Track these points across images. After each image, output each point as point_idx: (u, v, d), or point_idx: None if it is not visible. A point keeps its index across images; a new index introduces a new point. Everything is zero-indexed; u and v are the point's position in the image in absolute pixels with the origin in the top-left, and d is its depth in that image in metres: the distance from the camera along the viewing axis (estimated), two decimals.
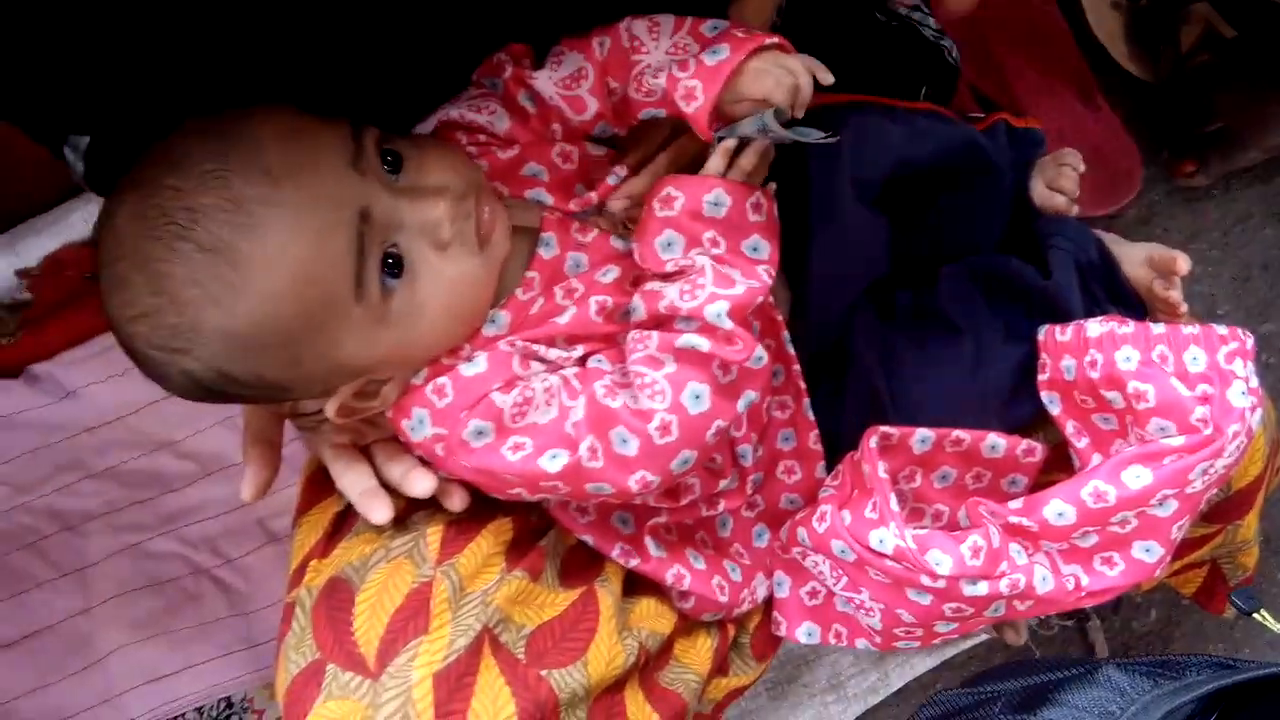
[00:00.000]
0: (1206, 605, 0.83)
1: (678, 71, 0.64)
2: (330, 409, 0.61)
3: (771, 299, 0.72)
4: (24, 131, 0.71)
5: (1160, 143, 1.11)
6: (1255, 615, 0.65)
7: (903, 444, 0.71)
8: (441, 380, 0.62)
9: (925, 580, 0.66)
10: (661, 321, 0.63)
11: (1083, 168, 0.82)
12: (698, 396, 0.61)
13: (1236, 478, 0.74)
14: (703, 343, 0.61)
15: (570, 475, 0.61)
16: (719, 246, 0.64)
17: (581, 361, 0.65)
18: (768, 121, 0.63)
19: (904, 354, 0.75)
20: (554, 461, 0.60)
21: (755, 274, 0.64)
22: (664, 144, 0.71)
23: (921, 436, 0.71)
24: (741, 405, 0.64)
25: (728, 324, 0.61)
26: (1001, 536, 0.67)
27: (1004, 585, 0.65)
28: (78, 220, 1.00)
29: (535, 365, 0.65)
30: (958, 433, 0.72)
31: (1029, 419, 0.75)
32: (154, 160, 0.56)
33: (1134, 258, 0.78)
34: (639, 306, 0.64)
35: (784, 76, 0.63)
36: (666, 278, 0.64)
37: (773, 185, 0.67)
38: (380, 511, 0.63)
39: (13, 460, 1.00)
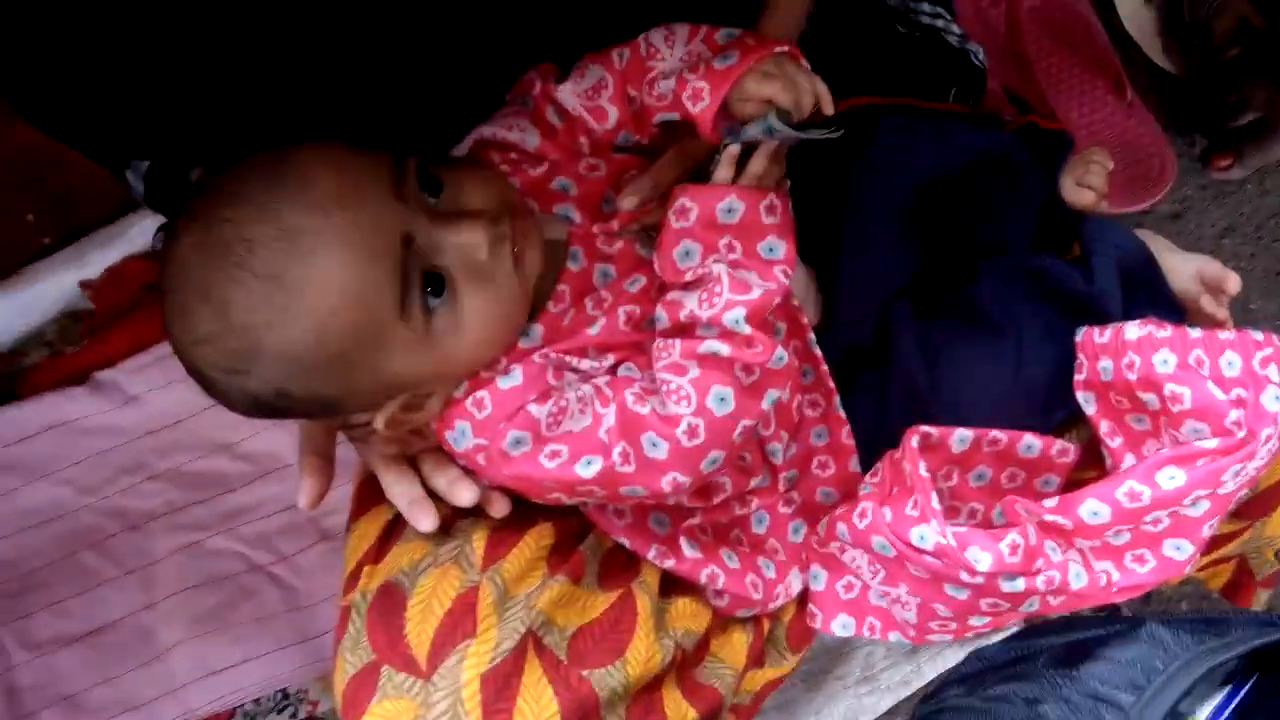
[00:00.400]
0: (1234, 599, 0.84)
1: (688, 74, 0.66)
2: (379, 422, 0.65)
3: (795, 301, 0.74)
4: (90, 158, 0.75)
5: (1193, 137, 1.11)
6: None
7: (942, 443, 0.73)
8: (480, 394, 0.65)
9: (964, 576, 0.68)
10: (684, 329, 0.66)
11: (1110, 164, 0.83)
12: (722, 399, 0.63)
13: (1264, 477, 0.74)
14: (723, 348, 0.63)
15: (605, 480, 0.64)
16: (735, 251, 0.66)
17: (613, 370, 0.68)
18: (772, 122, 0.65)
19: (945, 351, 0.76)
20: (589, 468, 0.63)
21: (772, 275, 0.66)
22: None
23: (960, 436, 0.73)
24: (766, 404, 0.66)
25: (746, 329, 0.64)
26: (1037, 534, 0.68)
27: (1040, 581, 0.67)
28: (137, 233, 1.05)
29: (569, 375, 0.68)
30: (995, 433, 0.73)
31: (1065, 418, 0.76)
32: (212, 195, 0.59)
33: (1184, 271, 0.79)
34: (662, 316, 0.67)
35: (789, 81, 0.66)
36: (686, 286, 0.67)
37: (787, 183, 0.69)
38: (427, 520, 0.66)
39: (80, 463, 1.05)
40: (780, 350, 0.65)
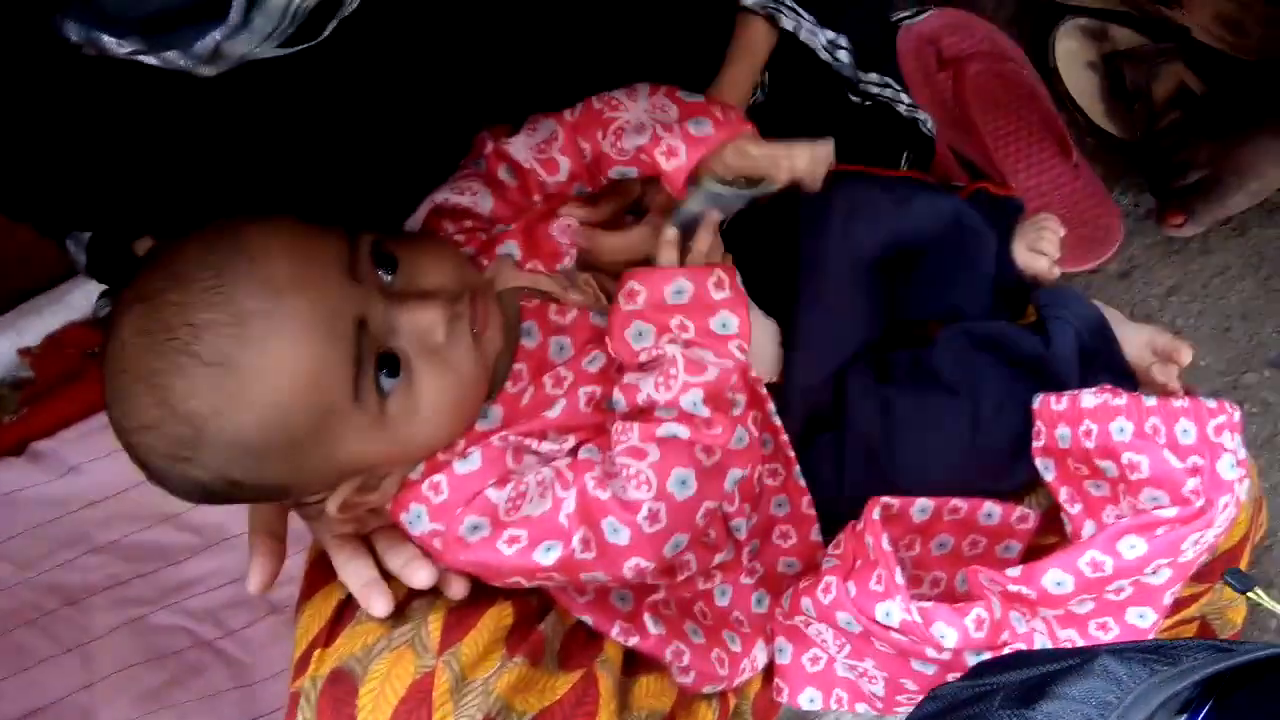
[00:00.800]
0: None
1: (662, 131, 0.67)
2: (332, 506, 0.63)
3: (754, 372, 0.74)
4: (32, 227, 0.73)
5: (1138, 198, 1.13)
6: (1250, 595, 0.66)
7: (904, 513, 0.72)
8: (438, 478, 0.64)
9: (930, 652, 0.67)
10: (643, 412, 0.65)
11: (1062, 230, 0.84)
12: (683, 481, 0.63)
13: (1223, 540, 0.75)
14: (682, 430, 0.63)
15: (565, 566, 0.63)
16: (688, 330, 0.66)
17: (574, 451, 0.67)
18: (711, 187, 0.67)
19: (901, 414, 0.76)
20: (548, 555, 0.62)
21: (727, 352, 0.66)
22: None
23: (921, 506, 0.73)
24: (729, 484, 0.66)
25: (704, 411, 0.63)
26: (1002, 606, 0.68)
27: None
28: (77, 299, 1.03)
29: (528, 459, 0.66)
30: (955, 502, 0.73)
31: (1024, 482, 0.76)
32: (157, 273, 0.57)
33: (1136, 340, 0.79)
34: (620, 400, 0.66)
35: (761, 160, 0.67)
36: (642, 367, 0.66)
37: (729, 257, 0.70)
38: (381, 604, 0.64)
39: (15, 537, 1.02)
40: (740, 430, 0.65)
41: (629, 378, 0.66)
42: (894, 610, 0.67)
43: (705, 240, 0.68)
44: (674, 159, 0.66)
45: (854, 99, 0.83)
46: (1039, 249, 0.82)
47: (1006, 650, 0.67)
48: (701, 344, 0.66)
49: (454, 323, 0.62)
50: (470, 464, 0.64)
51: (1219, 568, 0.75)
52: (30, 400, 1.03)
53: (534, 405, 0.67)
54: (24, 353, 1.03)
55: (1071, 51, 1.15)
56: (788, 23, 0.76)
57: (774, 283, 0.76)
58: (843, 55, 0.79)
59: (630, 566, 0.63)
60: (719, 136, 0.67)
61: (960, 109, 1.11)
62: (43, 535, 1.02)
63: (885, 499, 0.71)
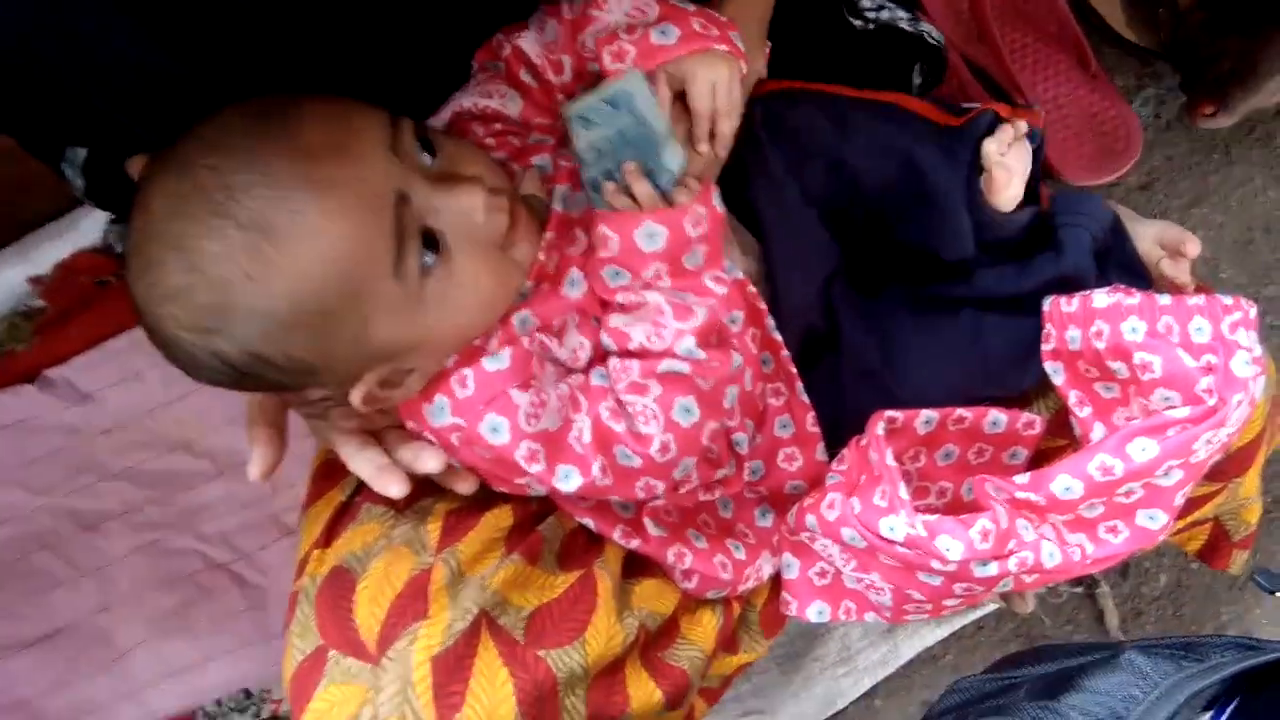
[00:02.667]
0: (1211, 562, 0.83)
1: (623, 32, 0.65)
2: (356, 396, 0.62)
3: (753, 288, 0.73)
4: (21, 145, 0.73)
5: (1158, 109, 1.10)
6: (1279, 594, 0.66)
7: (907, 426, 0.71)
8: (465, 371, 0.63)
9: (936, 565, 0.67)
10: (638, 354, 0.64)
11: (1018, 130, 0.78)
12: (687, 409, 0.63)
13: (1237, 438, 0.73)
14: (683, 366, 0.63)
15: (585, 491, 0.64)
16: (663, 279, 0.65)
17: (589, 367, 0.66)
18: (573, 110, 0.64)
19: (900, 330, 0.75)
20: (568, 482, 0.63)
21: (707, 290, 0.65)
22: None
23: (926, 418, 0.71)
24: (728, 402, 0.66)
25: (700, 354, 0.63)
26: (1009, 513, 0.67)
27: (1013, 564, 0.66)
28: (87, 227, 1.03)
29: (550, 369, 0.66)
30: (960, 411, 0.72)
31: (1031, 387, 0.75)
32: (190, 141, 0.56)
33: (1145, 235, 0.78)
34: (610, 344, 0.65)
35: (722, 99, 0.66)
36: (625, 309, 0.65)
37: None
38: (396, 485, 0.63)
39: (32, 464, 1.03)
40: (736, 357, 0.66)
41: (615, 320, 0.65)
42: (898, 525, 0.66)
43: (643, 190, 0.65)
44: (618, 62, 0.64)
45: (854, 22, 0.81)
46: (1005, 165, 0.75)
47: (1012, 560, 0.66)
48: (683, 288, 0.65)
49: (492, 212, 0.61)
50: (499, 362, 0.63)
51: (1233, 466, 0.73)
52: (43, 329, 1.03)
53: (554, 281, 0.67)
54: (35, 281, 1.03)
55: None
56: None
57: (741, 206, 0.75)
58: None
59: (640, 485, 0.64)
60: (679, 49, 0.64)
61: (977, 20, 1.09)
62: (58, 462, 1.03)
63: (889, 413, 0.70)
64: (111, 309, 1.03)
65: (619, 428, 0.62)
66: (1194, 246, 0.74)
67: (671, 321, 0.63)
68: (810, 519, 0.72)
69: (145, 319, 0.58)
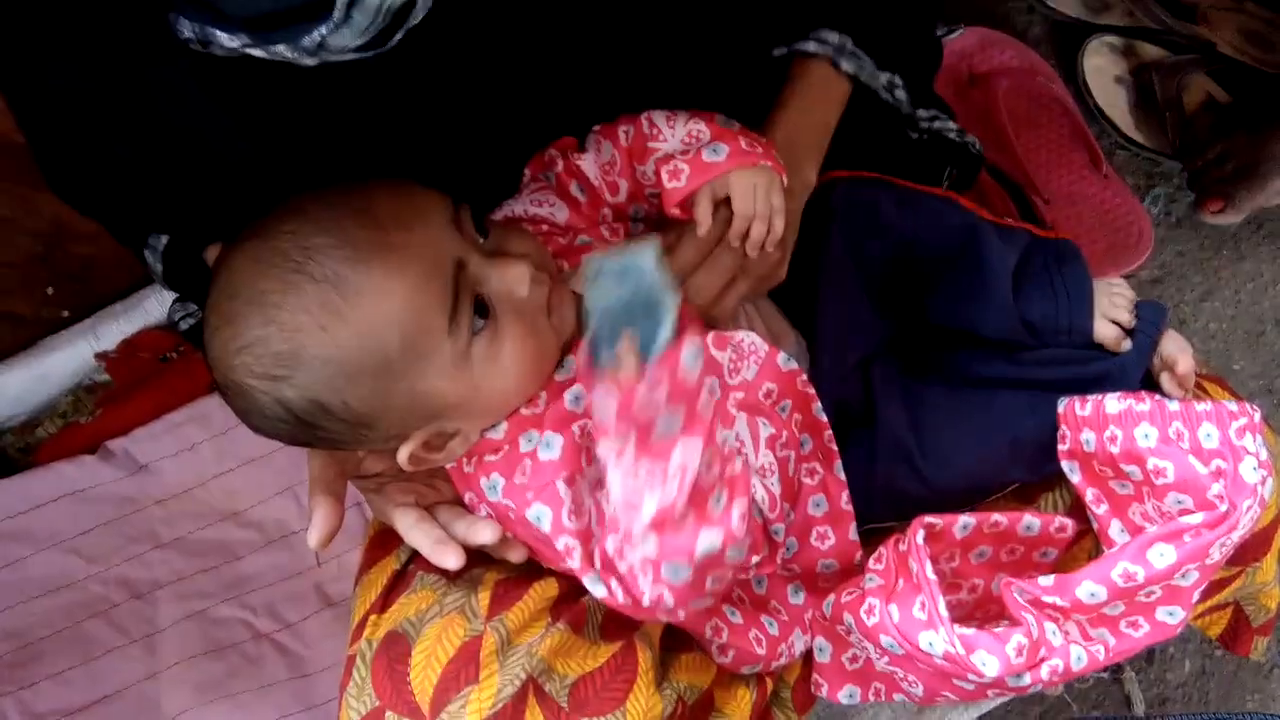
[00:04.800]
0: (1233, 647, 0.84)
1: (678, 155, 0.70)
2: (403, 454, 0.66)
3: (804, 379, 0.75)
4: (109, 230, 0.78)
5: (1169, 206, 1.15)
6: None
7: (946, 531, 0.73)
8: (526, 462, 0.67)
9: (972, 677, 0.68)
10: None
11: (1132, 294, 0.82)
12: (675, 569, 0.60)
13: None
14: (649, 550, 0.60)
15: (607, 602, 0.64)
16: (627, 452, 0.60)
17: None
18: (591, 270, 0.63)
19: (933, 408, 0.78)
20: (595, 588, 0.64)
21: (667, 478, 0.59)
22: None
23: (963, 524, 0.73)
24: (731, 555, 0.61)
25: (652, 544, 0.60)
26: (1037, 620, 0.69)
27: (1044, 672, 0.67)
28: (152, 306, 1.08)
29: (589, 471, 0.67)
30: (996, 516, 0.73)
31: (1056, 472, 0.77)
32: (273, 215, 0.62)
33: None
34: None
35: (765, 205, 0.70)
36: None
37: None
38: (453, 558, 0.66)
39: (88, 532, 1.06)
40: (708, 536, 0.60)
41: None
42: (937, 641, 0.67)
43: (628, 364, 0.60)
44: (675, 180, 0.70)
45: (912, 135, 0.87)
46: (1112, 317, 0.80)
47: (1044, 668, 0.67)
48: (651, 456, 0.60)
49: (536, 286, 0.66)
50: (551, 452, 0.66)
51: (1250, 551, 0.75)
52: (105, 402, 1.08)
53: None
54: (100, 357, 1.08)
55: (1100, 67, 1.18)
56: (849, 65, 0.79)
57: (795, 285, 0.79)
58: (900, 94, 0.83)
59: (663, 611, 0.63)
60: (728, 164, 0.69)
61: (993, 124, 1.15)
62: (113, 531, 1.07)
63: (928, 518, 0.71)
64: (171, 384, 1.08)
65: (622, 568, 0.63)
66: (1183, 364, 0.76)
67: (634, 505, 0.60)
68: (848, 618, 0.74)
69: (218, 370, 0.63)
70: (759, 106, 0.77)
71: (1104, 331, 0.79)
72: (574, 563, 0.65)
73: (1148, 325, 0.78)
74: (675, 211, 0.72)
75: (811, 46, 0.80)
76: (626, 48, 0.74)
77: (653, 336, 0.60)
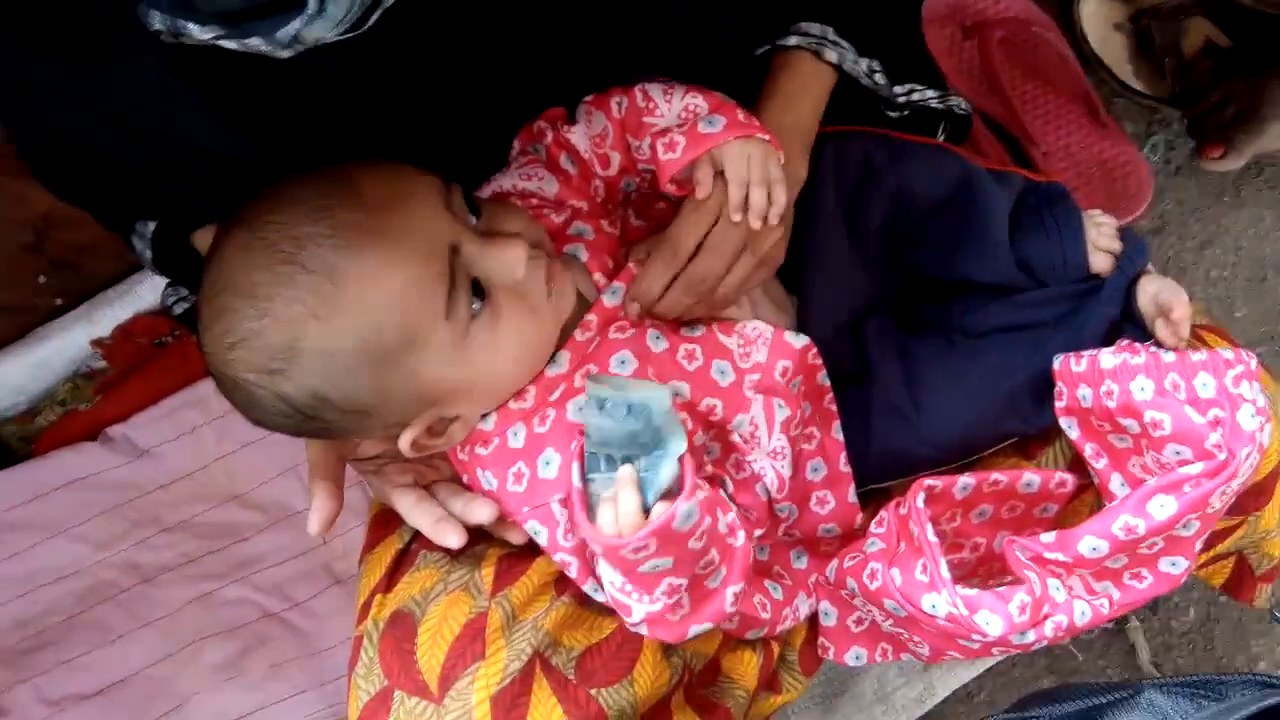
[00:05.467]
0: (1237, 595, 0.85)
1: (674, 128, 0.69)
2: (405, 440, 0.66)
3: (815, 354, 0.75)
4: (96, 218, 0.78)
5: (1168, 154, 1.14)
6: None
7: (946, 492, 0.72)
8: (524, 471, 0.67)
9: (976, 637, 0.68)
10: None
11: (1115, 221, 0.82)
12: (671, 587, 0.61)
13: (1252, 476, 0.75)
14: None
15: (610, 604, 0.65)
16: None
17: None
18: (594, 392, 0.61)
19: (927, 362, 0.77)
20: (596, 594, 0.65)
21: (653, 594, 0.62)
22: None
23: (963, 484, 0.73)
24: (729, 604, 0.64)
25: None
26: (1040, 577, 0.69)
27: (1049, 629, 0.68)
28: (146, 292, 1.07)
29: None
30: (996, 475, 0.73)
31: (1052, 423, 0.77)
32: (259, 202, 0.61)
33: (1145, 290, 0.78)
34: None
35: (761, 174, 0.69)
36: None
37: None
38: (454, 536, 0.67)
39: (93, 519, 1.07)
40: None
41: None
42: (940, 603, 0.67)
43: (627, 504, 0.59)
44: (670, 152, 0.68)
45: (891, 115, 0.85)
46: (1103, 246, 0.80)
47: (1048, 625, 0.68)
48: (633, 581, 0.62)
49: (533, 264, 0.65)
50: (549, 470, 0.66)
51: (1252, 500, 0.75)
52: (103, 388, 1.08)
53: (600, 353, 0.70)
54: (96, 343, 1.07)
55: (1096, 14, 1.17)
56: (831, 54, 0.78)
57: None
58: (879, 79, 0.82)
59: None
60: (724, 135, 0.68)
61: (987, 75, 1.13)
62: (118, 517, 1.07)
63: (928, 480, 0.71)
64: (168, 368, 1.08)
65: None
66: (1178, 310, 0.74)
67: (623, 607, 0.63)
68: (851, 582, 0.74)
69: (213, 365, 0.62)
70: (742, 102, 0.75)
71: (1099, 262, 0.79)
72: (572, 574, 0.66)
73: (1130, 248, 0.78)
74: (671, 188, 0.70)
75: (793, 40, 0.78)
76: (608, 30, 0.72)
77: (655, 475, 0.59)
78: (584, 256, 0.72)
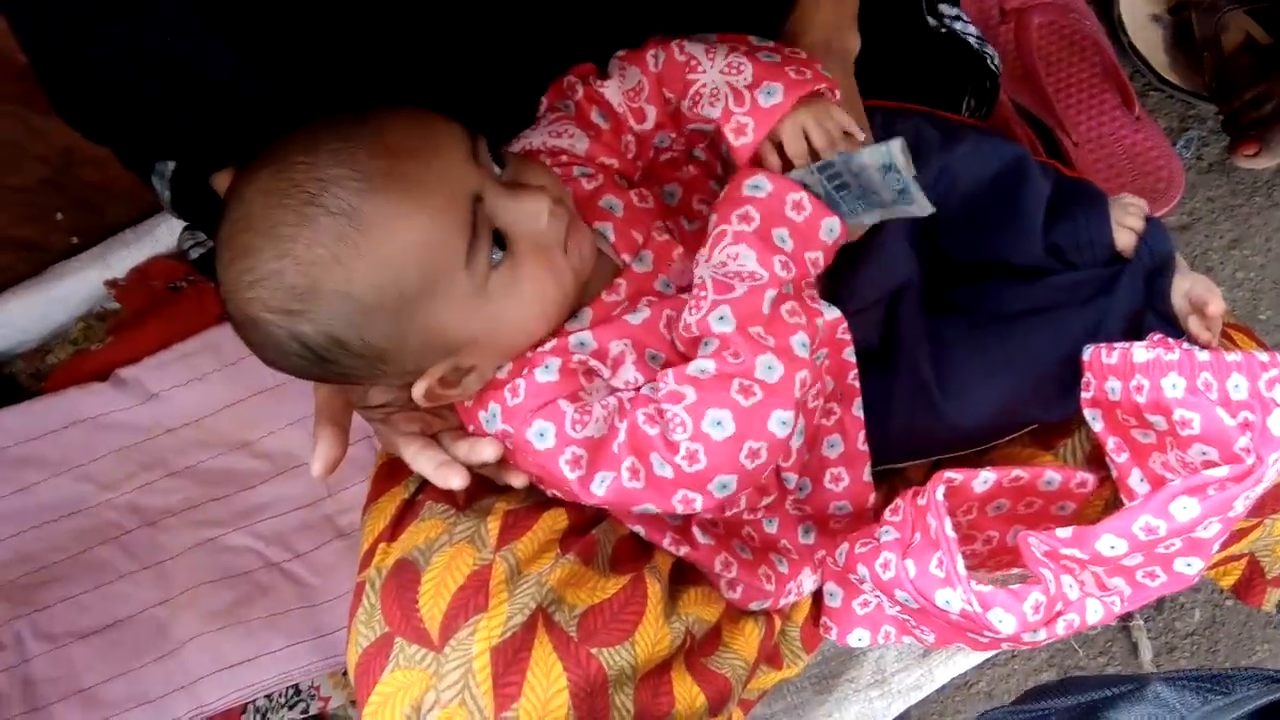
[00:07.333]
0: (1246, 598, 0.84)
1: (734, 105, 0.68)
2: (419, 389, 0.65)
3: (845, 325, 0.73)
4: (117, 156, 0.77)
5: (1200, 150, 1.12)
6: None
7: (965, 486, 0.72)
8: (518, 381, 0.66)
9: (988, 634, 0.68)
10: (691, 345, 0.66)
11: (1145, 205, 0.82)
12: (719, 422, 0.62)
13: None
14: (709, 365, 0.63)
15: (616, 495, 0.65)
16: (750, 222, 0.66)
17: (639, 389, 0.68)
18: (808, 180, 0.67)
19: (955, 345, 0.76)
20: (601, 485, 0.64)
21: (768, 263, 0.65)
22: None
23: (983, 479, 0.72)
24: (774, 424, 0.63)
25: (729, 328, 0.63)
26: (1054, 574, 0.68)
27: (1060, 627, 0.67)
28: (162, 234, 1.07)
29: (599, 381, 0.68)
30: (1017, 471, 0.73)
31: (1074, 412, 0.76)
32: (285, 143, 0.60)
33: (1178, 287, 0.78)
34: (677, 341, 0.68)
35: (823, 134, 0.68)
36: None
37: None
38: (457, 478, 0.66)
39: (100, 459, 1.07)
40: (767, 356, 0.63)
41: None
42: (954, 599, 0.67)
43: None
44: (742, 136, 0.68)
45: (930, 21, 0.83)
46: (1125, 224, 0.80)
47: (1060, 623, 0.67)
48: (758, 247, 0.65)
49: (554, 219, 0.64)
50: (549, 374, 0.66)
51: (1269, 503, 0.75)
52: (116, 330, 1.08)
53: (621, 314, 0.69)
54: (110, 284, 1.07)
55: (1136, 4, 1.15)
56: None
57: None
58: None
59: (679, 499, 0.64)
60: (787, 104, 0.67)
61: (1022, 60, 1.12)
62: (125, 458, 1.07)
63: (949, 474, 0.70)
64: (182, 313, 1.08)
65: (653, 431, 0.64)
66: (1214, 305, 0.74)
67: (710, 293, 0.64)
68: (862, 569, 0.73)
69: (231, 304, 0.61)
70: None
71: (1124, 240, 0.79)
72: (579, 471, 0.64)
73: (1153, 230, 0.79)
74: (746, 166, 0.70)
75: None
76: None
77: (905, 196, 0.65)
78: (611, 238, 0.72)
